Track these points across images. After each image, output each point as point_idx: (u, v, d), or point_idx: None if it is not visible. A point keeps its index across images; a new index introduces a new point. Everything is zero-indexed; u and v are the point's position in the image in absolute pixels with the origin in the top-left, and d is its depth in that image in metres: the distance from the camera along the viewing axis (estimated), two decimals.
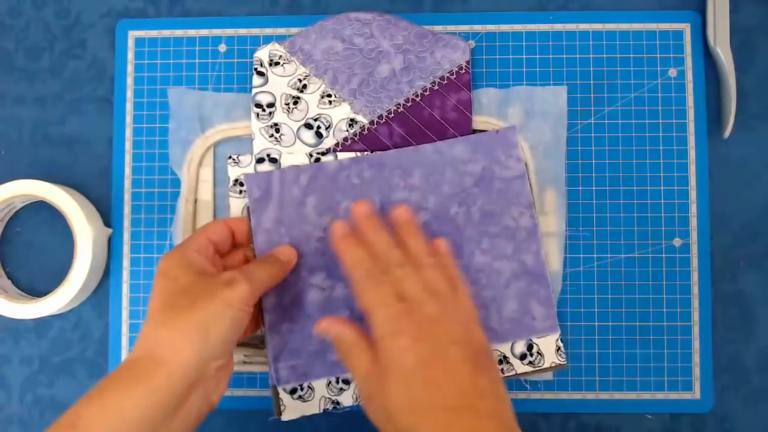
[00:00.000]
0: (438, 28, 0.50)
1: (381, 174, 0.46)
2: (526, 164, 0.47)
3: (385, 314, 0.38)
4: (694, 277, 0.48)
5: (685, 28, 0.49)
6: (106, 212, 0.50)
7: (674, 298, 0.48)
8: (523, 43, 0.50)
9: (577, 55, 0.49)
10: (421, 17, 0.50)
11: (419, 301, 0.38)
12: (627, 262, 0.48)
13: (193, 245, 0.41)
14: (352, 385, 0.46)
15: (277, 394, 0.45)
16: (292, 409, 0.45)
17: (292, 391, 0.45)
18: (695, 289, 0.48)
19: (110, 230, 0.50)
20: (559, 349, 0.46)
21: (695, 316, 0.48)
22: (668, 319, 0.48)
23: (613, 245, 0.48)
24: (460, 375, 0.36)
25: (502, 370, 0.46)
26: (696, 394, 0.47)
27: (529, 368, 0.46)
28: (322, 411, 0.45)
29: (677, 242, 0.48)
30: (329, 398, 0.46)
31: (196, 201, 0.49)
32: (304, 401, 0.45)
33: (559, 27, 0.50)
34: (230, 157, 0.48)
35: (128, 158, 0.50)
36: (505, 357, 0.46)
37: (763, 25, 0.50)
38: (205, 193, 0.49)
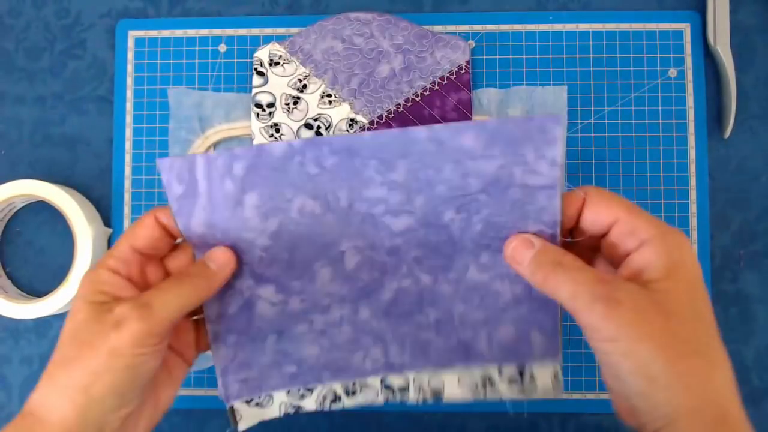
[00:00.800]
0: (438, 28, 0.50)
1: (350, 164, 0.34)
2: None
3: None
4: None
5: (685, 28, 0.49)
6: (106, 212, 0.50)
7: None
8: (523, 43, 0.50)
9: (577, 55, 0.49)
10: (421, 17, 0.50)
11: None
12: None
13: (109, 260, 0.34)
14: (316, 392, 0.40)
15: (232, 407, 0.40)
16: (249, 417, 0.40)
17: (248, 400, 0.40)
18: None
19: (110, 230, 0.50)
20: (556, 376, 0.38)
21: None
22: None
23: None
24: None
25: (485, 392, 0.39)
26: None
27: (516, 394, 0.38)
28: (282, 414, 0.39)
29: None
30: (290, 403, 0.40)
31: None
32: (262, 407, 0.40)
33: (559, 27, 0.50)
34: None
35: (128, 158, 0.50)
36: (490, 379, 0.38)
37: (763, 25, 0.50)
38: None
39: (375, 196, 0.35)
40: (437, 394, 0.39)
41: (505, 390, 0.38)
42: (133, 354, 0.32)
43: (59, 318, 0.50)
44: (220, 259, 0.36)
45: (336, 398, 0.40)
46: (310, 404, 0.40)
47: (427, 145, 0.34)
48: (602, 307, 0.29)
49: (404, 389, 0.39)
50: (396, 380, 0.39)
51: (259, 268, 0.37)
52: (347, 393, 0.40)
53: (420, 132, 0.33)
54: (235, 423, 0.40)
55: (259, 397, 0.40)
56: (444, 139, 0.33)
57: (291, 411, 0.40)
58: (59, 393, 0.32)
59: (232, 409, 0.40)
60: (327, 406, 0.40)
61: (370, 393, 0.40)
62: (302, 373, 0.39)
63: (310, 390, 0.40)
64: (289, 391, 0.40)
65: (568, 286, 0.31)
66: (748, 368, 0.48)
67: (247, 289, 0.38)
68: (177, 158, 0.34)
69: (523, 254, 0.34)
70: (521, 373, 0.38)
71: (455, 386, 0.39)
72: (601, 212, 0.32)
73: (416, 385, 0.39)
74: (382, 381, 0.40)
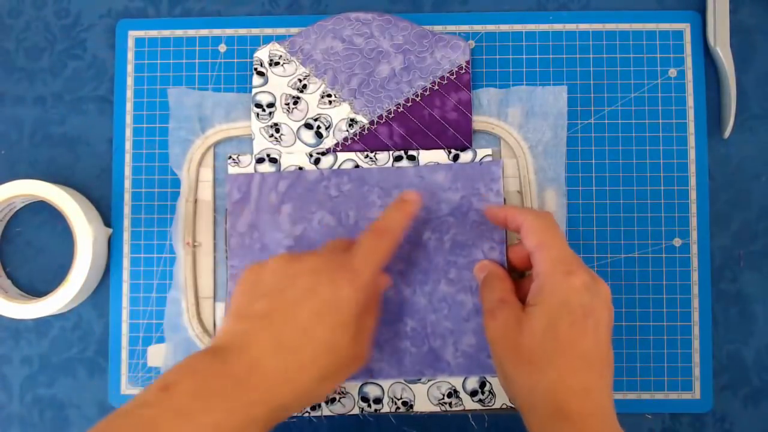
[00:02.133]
0: (438, 28, 0.50)
1: (360, 190, 0.46)
2: (505, 199, 0.46)
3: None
4: (694, 277, 0.48)
5: (685, 28, 0.49)
6: (106, 212, 0.50)
7: (674, 298, 0.48)
8: (523, 43, 0.50)
9: (577, 55, 0.49)
10: (421, 17, 0.50)
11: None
12: (627, 262, 0.48)
13: (378, 270, 0.40)
14: None
15: None
16: None
17: None
18: (695, 289, 0.48)
19: (110, 230, 0.50)
20: None
21: (695, 316, 0.48)
22: (668, 319, 0.48)
23: (613, 245, 0.48)
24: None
25: (450, 403, 0.46)
26: (696, 393, 0.47)
27: (478, 406, 0.46)
28: None
29: (677, 242, 0.48)
30: None
31: (196, 201, 0.49)
32: None
33: (559, 27, 0.50)
34: (230, 157, 0.48)
35: (128, 158, 0.50)
36: (455, 391, 0.46)
37: (763, 25, 0.50)
38: (205, 193, 0.49)
39: (374, 217, 0.46)
40: (408, 406, 0.46)
41: (467, 402, 0.45)
42: None
43: (59, 318, 0.50)
44: (412, 197, 0.44)
45: (317, 405, 0.46)
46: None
47: (414, 179, 0.46)
48: (486, 318, 0.40)
49: (379, 400, 0.46)
50: (372, 391, 0.46)
51: None
52: (327, 402, 0.46)
53: (410, 169, 0.46)
54: None
55: None
56: (424, 175, 0.46)
57: None
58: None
59: None
60: (308, 411, 0.46)
61: (348, 403, 0.46)
62: None
63: None
64: None
65: (484, 300, 0.42)
66: (748, 368, 0.48)
67: None
68: (241, 174, 0.47)
69: (479, 275, 0.44)
70: (482, 385, 0.45)
71: (424, 398, 0.46)
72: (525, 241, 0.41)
73: (390, 397, 0.46)
74: (359, 391, 0.46)
